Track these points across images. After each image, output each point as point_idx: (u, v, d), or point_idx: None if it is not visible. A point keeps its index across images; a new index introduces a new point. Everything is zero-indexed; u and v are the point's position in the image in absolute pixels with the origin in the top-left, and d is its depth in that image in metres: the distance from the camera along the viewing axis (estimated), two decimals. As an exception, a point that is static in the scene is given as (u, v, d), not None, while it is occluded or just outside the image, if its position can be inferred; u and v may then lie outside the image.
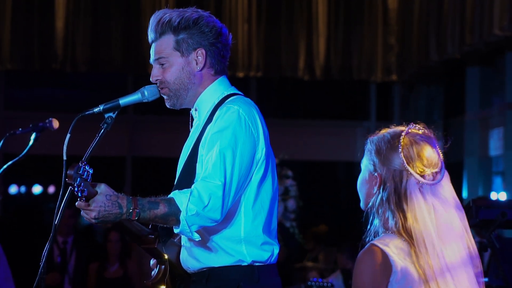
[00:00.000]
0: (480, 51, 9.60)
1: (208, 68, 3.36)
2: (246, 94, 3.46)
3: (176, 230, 3.15)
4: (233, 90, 3.41)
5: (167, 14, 3.37)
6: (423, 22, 10.11)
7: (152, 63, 3.40)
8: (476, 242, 7.84)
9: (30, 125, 3.67)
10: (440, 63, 10.09)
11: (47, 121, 3.64)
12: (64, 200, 3.05)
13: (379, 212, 2.65)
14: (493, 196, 9.90)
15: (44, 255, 3.06)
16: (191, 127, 3.45)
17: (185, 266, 3.35)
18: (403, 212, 2.62)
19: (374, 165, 2.68)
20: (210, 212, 3.10)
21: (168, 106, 3.41)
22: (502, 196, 9.69)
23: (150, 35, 3.40)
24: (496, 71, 10.16)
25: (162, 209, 3.07)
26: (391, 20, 10.79)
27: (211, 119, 3.29)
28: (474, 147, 10.46)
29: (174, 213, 3.08)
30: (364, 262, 2.59)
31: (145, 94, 3.32)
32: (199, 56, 3.34)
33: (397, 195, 2.63)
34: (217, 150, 3.16)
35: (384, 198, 2.64)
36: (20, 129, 3.75)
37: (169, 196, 3.14)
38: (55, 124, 3.57)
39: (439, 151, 2.70)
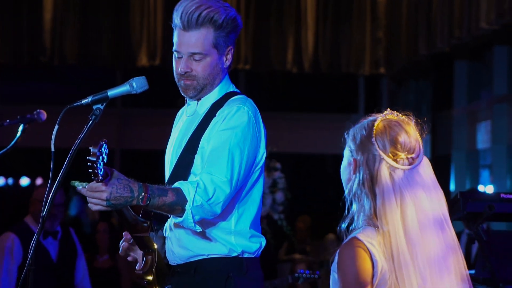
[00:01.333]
0: (468, 45, 9.63)
1: (230, 63, 3.42)
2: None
3: (177, 220, 3.16)
4: (233, 88, 3.45)
5: (209, 8, 3.32)
6: (411, 16, 10.12)
7: (184, 53, 3.34)
8: (465, 234, 7.78)
9: (18, 117, 3.66)
10: (428, 57, 10.11)
11: (35, 112, 3.63)
12: (52, 192, 3.04)
13: (356, 196, 2.66)
14: (481, 189, 9.94)
15: (32, 247, 3.06)
16: (186, 113, 3.44)
17: (170, 258, 3.36)
18: (375, 196, 2.63)
19: (351, 151, 2.70)
20: (213, 205, 3.13)
21: (188, 96, 3.38)
22: (490, 189, 9.73)
23: (183, 21, 3.31)
24: (484, 65, 10.19)
25: (170, 197, 3.08)
26: (380, 14, 10.81)
27: (212, 113, 3.31)
28: (462, 140, 10.50)
29: (181, 202, 3.09)
30: (348, 257, 2.59)
31: (133, 85, 3.31)
32: (229, 53, 3.38)
33: (370, 179, 2.64)
34: (226, 147, 3.20)
35: (360, 182, 2.65)
36: (7, 120, 3.74)
37: (174, 185, 3.15)
38: (43, 115, 3.56)
39: (418, 137, 2.70)
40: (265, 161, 3.42)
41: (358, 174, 2.66)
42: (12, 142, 3.35)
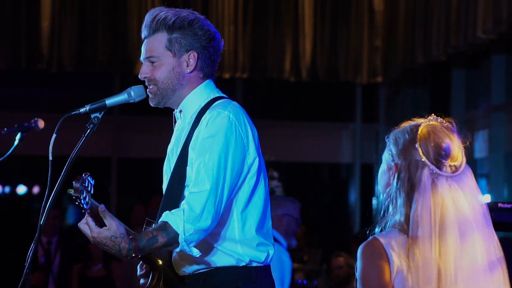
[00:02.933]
0: (466, 54, 9.63)
1: (198, 71, 3.37)
2: (232, 96, 3.47)
3: (176, 250, 3.18)
4: (219, 93, 3.41)
5: (163, 12, 3.36)
6: (408, 24, 10.13)
7: (142, 61, 3.39)
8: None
9: (16, 125, 3.65)
10: (425, 65, 10.12)
11: (32, 121, 3.62)
12: (50, 201, 3.04)
13: (393, 201, 2.63)
14: (478, 198, 9.92)
15: (29, 255, 3.05)
16: (175, 127, 3.45)
17: (178, 269, 3.35)
18: (411, 202, 2.59)
19: (392, 156, 2.68)
20: (202, 221, 3.11)
21: (151, 105, 3.41)
22: (487, 198, 9.73)
23: (144, 31, 3.39)
24: (481, 73, 10.20)
25: (161, 241, 3.10)
26: (377, 22, 10.82)
27: (198, 121, 3.29)
28: (459, 149, 10.49)
29: (173, 239, 3.11)
30: (365, 256, 2.58)
31: (131, 94, 3.31)
32: (190, 58, 3.34)
33: (410, 185, 2.61)
34: (208, 156, 3.18)
35: (399, 187, 2.63)
36: (5, 129, 3.73)
37: (161, 219, 3.14)
38: (41, 124, 3.55)
39: (461, 145, 2.68)
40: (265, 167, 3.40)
41: (398, 179, 2.64)
42: (10, 151, 3.34)
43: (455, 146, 2.65)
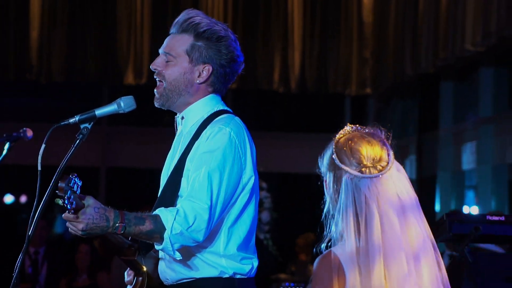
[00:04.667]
0: (454, 66, 9.68)
1: (208, 84, 3.35)
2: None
3: (158, 247, 3.15)
4: (223, 106, 3.39)
5: (199, 17, 3.34)
6: (398, 36, 10.17)
7: (160, 52, 3.37)
8: (446, 255, 7.79)
9: (4, 135, 3.64)
10: (414, 77, 10.15)
11: (21, 131, 3.61)
12: (38, 211, 3.03)
13: (329, 217, 2.67)
14: (465, 210, 9.96)
15: (17, 266, 3.03)
16: (177, 131, 3.44)
17: (163, 278, 3.34)
18: (347, 212, 2.62)
19: (322, 174, 2.72)
20: (193, 233, 3.10)
21: (156, 105, 3.40)
22: (474, 210, 9.76)
23: (173, 27, 3.36)
24: (470, 86, 10.24)
25: (147, 225, 3.07)
26: (366, 34, 10.85)
27: (199, 134, 3.28)
28: (447, 161, 10.53)
29: (159, 230, 3.08)
30: (320, 270, 2.59)
31: (121, 105, 3.30)
32: (204, 70, 3.32)
33: (336, 192, 2.65)
34: (205, 171, 3.16)
35: (331, 201, 2.67)
36: (-6, 138, 3.72)
37: (154, 212, 3.13)
38: (29, 133, 3.54)
39: (384, 146, 2.68)
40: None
41: (328, 194, 2.68)
42: (-2, 161, 3.33)
43: (375, 148, 2.66)
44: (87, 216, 2.98)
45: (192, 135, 3.31)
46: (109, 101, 3.34)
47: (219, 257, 3.26)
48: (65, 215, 2.99)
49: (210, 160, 3.18)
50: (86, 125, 3.21)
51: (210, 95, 3.37)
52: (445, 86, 10.48)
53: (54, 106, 11.92)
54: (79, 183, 2.94)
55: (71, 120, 3.21)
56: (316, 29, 10.95)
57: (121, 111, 3.31)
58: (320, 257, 2.62)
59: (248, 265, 3.31)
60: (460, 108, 10.43)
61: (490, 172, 9.59)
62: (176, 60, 3.33)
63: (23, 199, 12.39)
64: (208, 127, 3.27)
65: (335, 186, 2.66)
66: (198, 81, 3.33)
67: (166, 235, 3.07)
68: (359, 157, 2.64)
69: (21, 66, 10.45)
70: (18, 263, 3.03)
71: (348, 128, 2.73)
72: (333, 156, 2.66)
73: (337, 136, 2.71)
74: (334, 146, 2.68)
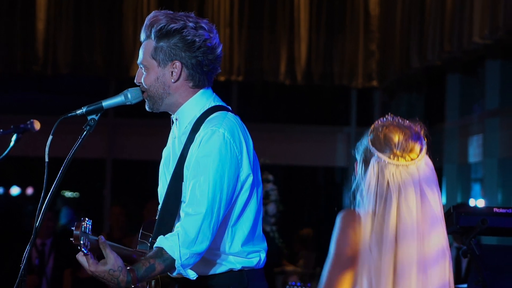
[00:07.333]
0: (461, 59, 9.65)
1: (185, 80, 3.29)
2: (228, 99, 3.44)
3: (173, 274, 3.18)
4: (215, 101, 3.34)
5: (155, 18, 3.29)
6: (404, 29, 10.15)
7: (138, 64, 3.38)
8: (454, 248, 7.80)
9: (12, 127, 3.65)
10: (421, 70, 10.13)
11: (28, 122, 3.62)
12: (45, 203, 3.03)
13: (357, 193, 2.75)
14: (471, 202, 9.95)
15: (24, 257, 3.04)
16: (172, 131, 3.43)
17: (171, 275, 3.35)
18: (374, 195, 2.70)
19: (356, 159, 2.81)
20: (198, 244, 3.12)
21: (147, 109, 3.40)
22: (480, 203, 9.74)
23: (141, 35, 3.35)
24: (476, 79, 10.22)
25: (158, 268, 3.10)
26: (373, 26, 10.83)
27: (193, 136, 3.25)
28: (453, 154, 10.52)
29: (170, 264, 3.11)
30: (345, 217, 2.70)
31: (128, 96, 3.30)
32: (174, 68, 3.27)
33: (364, 174, 2.73)
34: (203, 177, 3.15)
35: (359, 180, 2.75)
36: (1, 130, 3.73)
37: (156, 245, 3.13)
38: (37, 125, 3.54)
39: (418, 140, 2.73)
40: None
41: (357, 174, 2.76)
42: (5, 152, 3.34)
43: (408, 139, 2.70)
44: (99, 272, 3.02)
45: (187, 137, 3.28)
46: (115, 94, 3.33)
47: (226, 255, 3.27)
48: (80, 258, 3.02)
49: (206, 165, 3.16)
50: (93, 116, 3.21)
51: (199, 92, 3.32)
52: (451, 79, 10.45)
53: (60, 100, 11.93)
54: (89, 224, 2.96)
55: (78, 112, 3.21)
56: (322, 22, 10.94)
57: (128, 103, 3.31)
58: (344, 211, 2.73)
59: (255, 258, 3.31)
60: (466, 101, 10.41)
61: (496, 165, 9.57)
62: (147, 68, 3.30)
63: (29, 191, 12.42)
64: (201, 128, 3.23)
65: (363, 167, 2.73)
66: (173, 80, 3.28)
67: (177, 264, 3.11)
68: (390, 144, 2.73)
69: (28, 58, 10.46)
70: (25, 254, 3.04)
71: (389, 117, 2.80)
72: (368, 139, 2.74)
73: (376, 122, 2.79)
74: (370, 131, 2.77)
